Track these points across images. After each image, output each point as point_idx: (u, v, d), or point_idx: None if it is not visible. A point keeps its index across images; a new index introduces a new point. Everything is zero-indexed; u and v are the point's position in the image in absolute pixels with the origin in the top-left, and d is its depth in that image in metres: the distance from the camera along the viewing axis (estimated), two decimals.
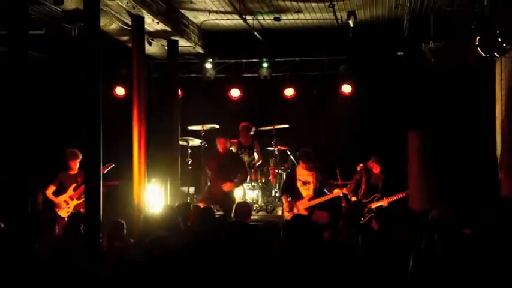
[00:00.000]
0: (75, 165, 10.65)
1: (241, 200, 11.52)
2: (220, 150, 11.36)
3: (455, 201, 9.92)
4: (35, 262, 6.06)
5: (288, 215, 10.67)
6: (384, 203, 10.46)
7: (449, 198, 10.09)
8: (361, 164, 10.91)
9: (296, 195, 10.83)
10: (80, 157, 10.55)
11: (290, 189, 10.93)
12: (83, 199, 10.23)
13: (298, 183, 10.81)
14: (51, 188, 10.63)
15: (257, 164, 12.65)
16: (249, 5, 11.48)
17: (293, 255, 6.02)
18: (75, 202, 10.57)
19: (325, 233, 7.50)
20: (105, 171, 10.31)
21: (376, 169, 10.67)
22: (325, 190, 10.90)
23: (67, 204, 10.59)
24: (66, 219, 10.30)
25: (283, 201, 11.02)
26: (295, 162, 12.57)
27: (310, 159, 10.83)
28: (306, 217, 9.19)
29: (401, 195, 10.41)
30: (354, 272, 5.68)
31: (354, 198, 10.68)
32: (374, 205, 10.51)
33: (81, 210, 10.26)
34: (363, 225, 10.21)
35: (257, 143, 12.70)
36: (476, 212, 8.67)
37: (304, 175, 10.82)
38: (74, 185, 10.59)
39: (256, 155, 12.61)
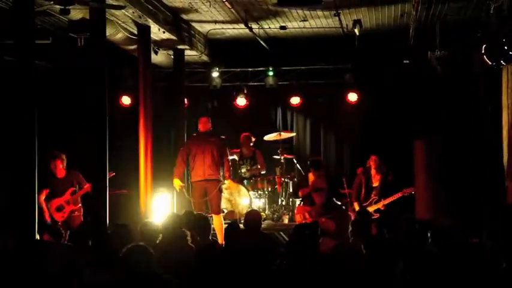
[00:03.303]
0: (57, 168, 10.13)
1: (249, 209, 11.55)
2: (202, 130, 10.87)
3: (462, 210, 9.91)
4: (44, 273, 6.04)
5: (299, 219, 10.83)
6: (380, 205, 10.43)
7: (456, 207, 10.07)
8: (361, 168, 10.96)
9: (309, 202, 10.89)
10: (64, 159, 10.15)
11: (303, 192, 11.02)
12: (79, 205, 10.18)
13: (311, 190, 10.88)
14: (45, 193, 10.03)
15: (261, 173, 12.63)
16: (255, 15, 11.50)
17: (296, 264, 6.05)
18: (71, 207, 10.11)
19: (331, 241, 7.51)
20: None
21: (373, 164, 10.67)
22: (334, 199, 10.97)
23: (62, 208, 10.11)
24: (60, 223, 9.90)
25: (300, 195, 11.10)
26: (302, 170, 12.58)
27: (320, 167, 10.92)
28: (309, 225, 9.15)
29: (397, 196, 10.38)
30: (357, 282, 5.67)
31: (356, 204, 10.68)
32: (372, 208, 10.50)
33: (76, 213, 10.20)
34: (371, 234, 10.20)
35: (259, 152, 12.68)
36: (483, 221, 8.67)
37: (315, 182, 10.87)
38: (71, 189, 10.10)
39: (259, 165, 12.59)
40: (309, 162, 11.38)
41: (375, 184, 10.68)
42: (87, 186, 9.97)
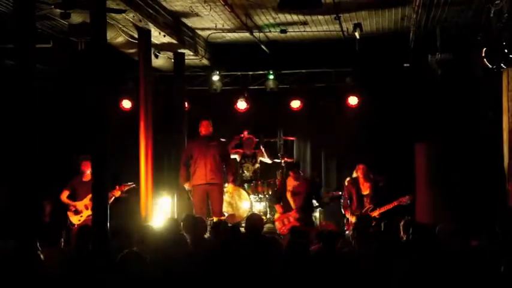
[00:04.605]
0: (85, 170, 10.32)
1: (250, 212, 11.56)
2: (203, 133, 10.95)
3: (462, 213, 9.91)
4: (41, 276, 6.04)
5: (279, 226, 10.68)
6: (376, 214, 10.36)
7: (456, 210, 10.08)
8: (348, 178, 10.88)
9: (286, 206, 10.77)
10: None
11: (282, 199, 10.89)
12: None
13: (288, 194, 10.74)
14: (66, 193, 10.43)
15: (270, 162, 12.77)
16: (256, 19, 11.51)
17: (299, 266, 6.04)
18: (89, 212, 10.11)
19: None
20: (124, 190, 10.46)
21: (360, 173, 10.61)
22: (316, 202, 11.01)
23: (80, 212, 10.34)
24: (76, 226, 10.16)
25: (277, 210, 10.93)
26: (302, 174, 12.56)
27: (298, 168, 10.95)
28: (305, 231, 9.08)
29: (393, 205, 10.32)
30: (359, 284, 5.68)
31: (351, 217, 10.55)
32: None
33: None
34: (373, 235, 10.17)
35: (262, 148, 12.72)
36: (484, 224, 8.66)
37: (294, 186, 10.73)
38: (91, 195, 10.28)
39: (266, 158, 12.69)
40: (286, 165, 11.62)
41: (365, 192, 10.58)
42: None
